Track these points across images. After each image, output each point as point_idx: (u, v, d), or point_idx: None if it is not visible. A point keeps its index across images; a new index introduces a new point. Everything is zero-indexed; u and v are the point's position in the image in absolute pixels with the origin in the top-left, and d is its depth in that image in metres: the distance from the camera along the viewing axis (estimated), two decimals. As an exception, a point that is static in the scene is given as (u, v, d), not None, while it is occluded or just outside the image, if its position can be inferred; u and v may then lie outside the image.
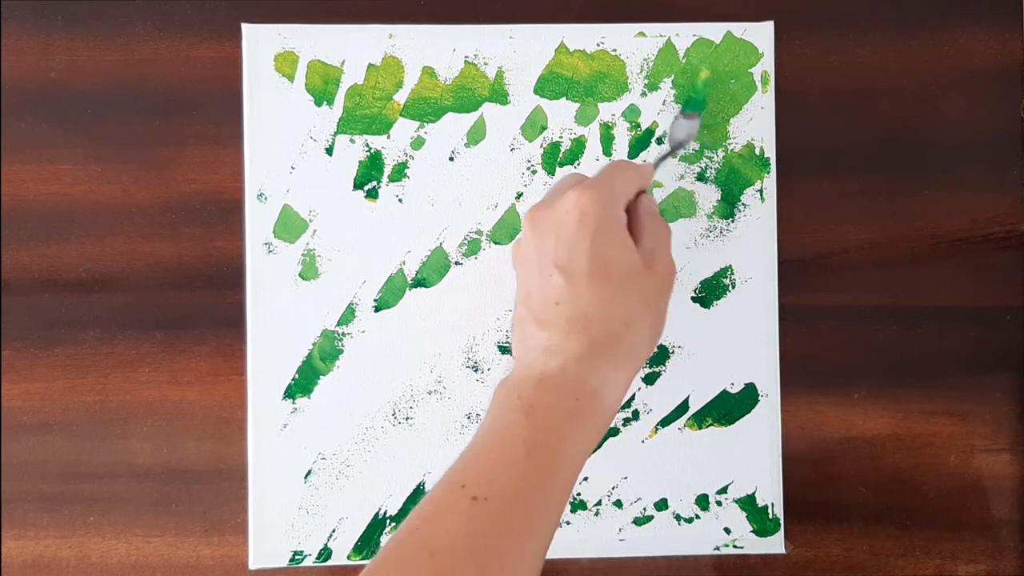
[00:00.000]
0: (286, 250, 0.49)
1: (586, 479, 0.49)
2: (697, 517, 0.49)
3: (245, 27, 0.49)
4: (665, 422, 0.49)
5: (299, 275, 0.49)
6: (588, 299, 0.37)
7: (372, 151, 0.49)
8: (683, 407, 0.49)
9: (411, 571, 0.33)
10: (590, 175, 0.41)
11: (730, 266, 0.49)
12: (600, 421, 0.37)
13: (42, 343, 0.49)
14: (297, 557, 0.48)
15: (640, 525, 0.49)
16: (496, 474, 0.35)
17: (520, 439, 0.35)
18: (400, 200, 0.49)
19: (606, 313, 0.37)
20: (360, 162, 0.49)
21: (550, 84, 0.49)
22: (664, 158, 0.46)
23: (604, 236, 0.37)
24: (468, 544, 0.33)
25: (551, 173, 0.49)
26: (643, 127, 0.49)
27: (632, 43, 0.49)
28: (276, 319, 0.49)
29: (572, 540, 0.49)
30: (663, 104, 0.49)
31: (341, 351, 0.49)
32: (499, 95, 0.49)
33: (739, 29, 0.49)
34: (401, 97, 0.49)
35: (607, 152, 0.49)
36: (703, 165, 0.49)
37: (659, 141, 0.49)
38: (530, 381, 0.37)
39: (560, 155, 0.49)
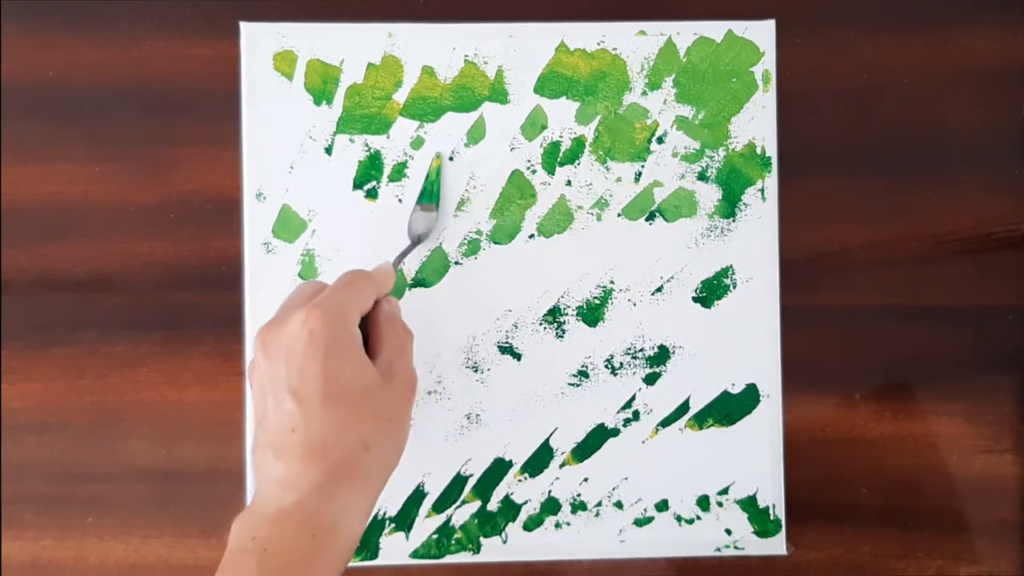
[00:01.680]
0: (285, 250, 0.49)
1: (586, 480, 0.49)
2: (698, 518, 0.49)
3: (244, 26, 0.49)
4: (666, 422, 0.49)
5: (298, 275, 0.49)
6: (323, 424, 0.35)
7: (372, 151, 0.49)
8: (684, 407, 0.49)
9: None
10: (327, 284, 0.40)
11: (731, 266, 0.49)
12: (340, 554, 0.36)
13: (40, 343, 0.49)
14: (296, 558, 0.48)
15: (641, 526, 0.49)
16: None
17: None
18: (400, 200, 0.49)
19: (343, 438, 0.36)
20: (360, 162, 0.49)
21: (550, 83, 0.49)
22: (404, 255, 0.46)
23: (335, 356, 0.36)
24: None
25: (551, 173, 0.49)
26: (648, 126, 0.49)
27: (633, 42, 0.49)
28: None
29: (572, 541, 0.49)
30: (664, 103, 0.49)
31: (340, 351, 0.49)
32: (499, 94, 0.49)
33: (740, 28, 0.49)
34: (401, 96, 0.49)
35: (608, 153, 0.49)
36: (704, 164, 0.49)
37: (659, 141, 0.49)
38: (265, 519, 0.35)
39: (560, 155, 0.49)
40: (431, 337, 0.49)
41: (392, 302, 0.42)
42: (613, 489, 0.49)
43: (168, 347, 0.49)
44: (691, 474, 0.49)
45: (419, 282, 0.49)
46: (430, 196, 0.48)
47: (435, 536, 0.49)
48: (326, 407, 0.35)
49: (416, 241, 0.48)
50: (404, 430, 0.39)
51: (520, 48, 0.49)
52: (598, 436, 0.49)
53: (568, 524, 0.49)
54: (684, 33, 0.49)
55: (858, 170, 0.50)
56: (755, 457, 0.49)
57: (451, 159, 0.49)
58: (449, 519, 0.49)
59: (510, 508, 0.49)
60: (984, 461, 0.50)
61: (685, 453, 0.49)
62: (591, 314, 0.49)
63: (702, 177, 0.49)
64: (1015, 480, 0.50)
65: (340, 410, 0.36)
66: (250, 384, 0.39)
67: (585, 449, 0.49)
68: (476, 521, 0.49)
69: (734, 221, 0.49)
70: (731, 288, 0.49)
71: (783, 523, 0.49)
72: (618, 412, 0.49)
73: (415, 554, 0.49)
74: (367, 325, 0.40)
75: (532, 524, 0.49)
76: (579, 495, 0.49)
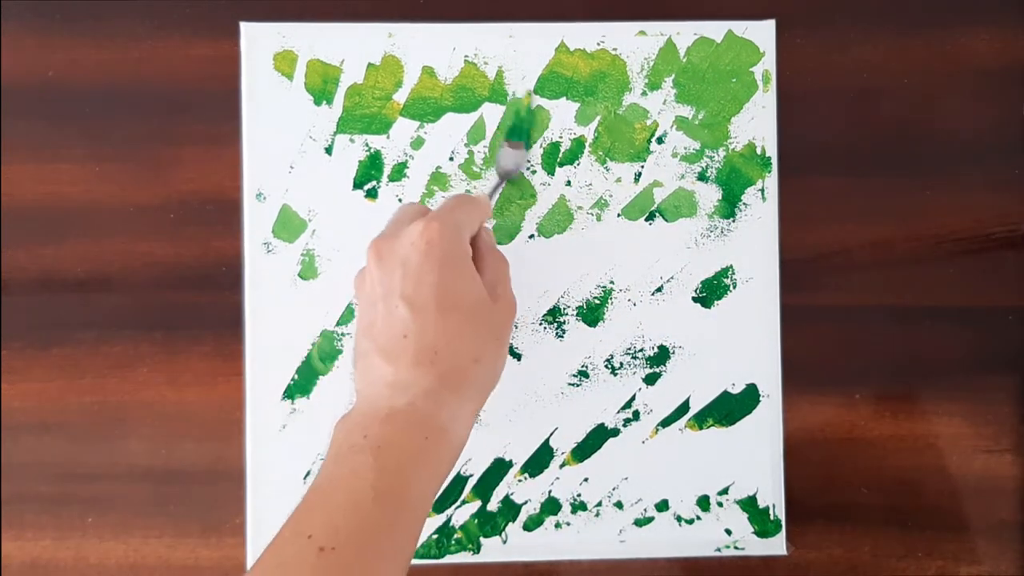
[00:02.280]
0: (285, 250, 0.49)
1: (586, 480, 0.49)
2: (698, 518, 0.49)
3: (244, 26, 0.49)
4: (666, 423, 0.49)
5: (298, 275, 0.49)
6: (436, 332, 0.36)
7: (372, 151, 0.49)
8: (684, 407, 0.49)
9: None
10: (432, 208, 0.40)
11: (731, 266, 0.49)
12: (448, 458, 0.37)
13: (40, 343, 0.49)
14: (296, 558, 0.48)
15: (641, 526, 0.49)
16: (344, 522, 0.33)
17: (368, 483, 0.34)
18: (400, 200, 0.49)
19: (454, 346, 0.36)
20: (360, 162, 0.49)
21: (550, 83, 0.49)
22: (496, 189, 0.46)
23: (451, 268, 0.37)
24: None
25: (551, 173, 0.49)
26: (647, 126, 0.49)
27: (632, 42, 0.49)
28: (275, 319, 0.48)
29: (572, 541, 0.49)
30: (663, 103, 0.49)
31: (340, 351, 0.49)
32: (499, 95, 0.49)
33: (740, 28, 0.49)
34: (401, 96, 0.49)
35: (608, 153, 0.49)
36: (704, 165, 0.49)
37: (659, 141, 0.49)
38: (376, 418, 0.35)
39: (560, 155, 0.49)
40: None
41: (489, 231, 0.42)
42: (613, 489, 0.49)
43: (168, 347, 0.49)
44: (691, 474, 0.49)
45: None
46: (519, 133, 0.48)
47: (435, 536, 0.49)
48: (439, 315, 0.36)
49: (505, 177, 0.47)
50: (505, 350, 0.40)
51: (520, 48, 0.49)
52: (598, 436, 0.49)
53: (568, 524, 0.49)
54: (684, 33, 0.49)
55: (858, 170, 0.50)
56: (755, 457, 0.49)
57: (451, 159, 0.49)
58: (449, 519, 0.49)
59: (510, 508, 0.49)
60: (984, 461, 0.50)
61: (685, 453, 0.49)
62: (591, 314, 0.49)
63: (702, 177, 0.49)
64: (1015, 480, 0.50)
65: (453, 320, 0.36)
66: (356, 294, 0.39)
67: (585, 449, 0.49)
68: (476, 521, 0.49)
69: (734, 221, 0.49)
70: (731, 288, 0.49)
71: (783, 523, 0.49)
72: (618, 412, 0.49)
73: (415, 554, 0.49)
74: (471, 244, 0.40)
75: (532, 524, 0.49)
76: (579, 495, 0.49)
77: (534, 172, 0.49)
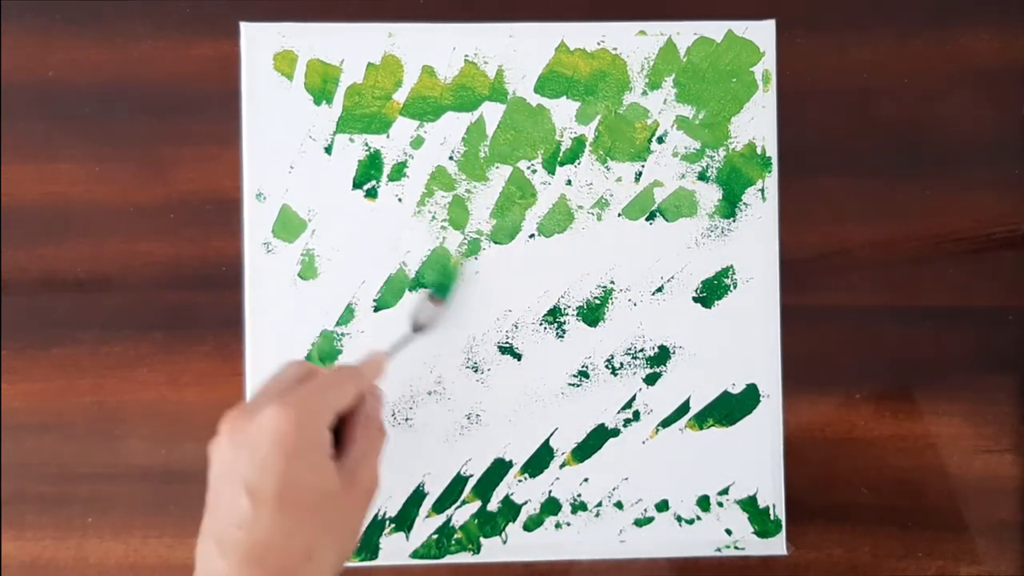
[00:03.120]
0: (285, 250, 0.49)
1: (586, 480, 0.49)
2: (698, 518, 0.49)
3: (244, 26, 0.49)
4: (666, 423, 0.49)
5: (298, 275, 0.49)
6: (271, 529, 0.34)
7: (371, 150, 0.49)
8: (684, 408, 0.49)
9: None
10: (309, 369, 0.39)
11: (731, 266, 0.49)
12: None
13: (40, 343, 0.49)
14: (296, 558, 0.48)
15: (641, 526, 0.49)
16: None
17: None
18: (400, 199, 0.49)
19: (287, 545, 0.35)
20: (359, 161, 0.49)
21: (550, 83, 0.49)
22: (402, 345, 0.46)
23: (299, 461, 0.35)
24: None
25: (551, 173, 0.49)
26: (648, 126, 0.49)
27: (633, 42, 0.49)
28: (275, 319, 0.48)
29: (572, 541, 0.49)
30: (664, 103, 0.49)
31: (340, 351, 0.49)
32: (499, 94, 0.49)
33: (740, 28, 0.49)
34: (401, 96, 0.49)
35: (608, 152, 0.49)
36: (704, 164, 0.49)
37: (660, 140, 0.49)
38: None
39: (560, 155, 0.49)
40: (430, 337, 0.49)
41: (376, 396, 0.41)
42: (613, 489, 0.49)
43: (168, 347, 0.49)
44: (691, 474, 0.49)
45: (419, 282, 0.49)
46: (444, 291, 0.48)
47: (435, 536, 0.49)
48: (278, 511, 0.34)
49: (417, 330, 0.47)
50: (354, 538, 0.38)
51: (520, 48, 0.49)
52: (598, 436, 0.49)
53: (568, 524, 0.49)
54: (684, 33, 0.49)
55: (858, 170, 0.50)
56: (755, 457, 0.49)
57: (451, 159, 0.49)
58: (449, 519, 0.49)
59: (510, 508, 0.49)
60: (984, 461, 0.50)
61: (685, 453, 0.49)
62: (591, 314, 0.49)
63: (702, 177, 0.49)
64: (1015, 480, 0.50)
65: (291, 517, 0.35)
66: (210, 460, 0.37)
67: (585, 449, 0.49)
68: (476, 521, 0.49)
69: (734, 221, 0.49)
70: (731, 288, 0.49)
71: (783, 523, 0.49)
72: (618, 412, 0.49)
73: (415, 554, 0.49)
74: (345, 417, 0.39)
75: (532, 524, 0.49)
76: (579, 495, 0.49)
77: (534, 172, 0.49)
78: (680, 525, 0.49)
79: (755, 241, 0.49)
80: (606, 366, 0.49)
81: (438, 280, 0.48)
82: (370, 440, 0.39)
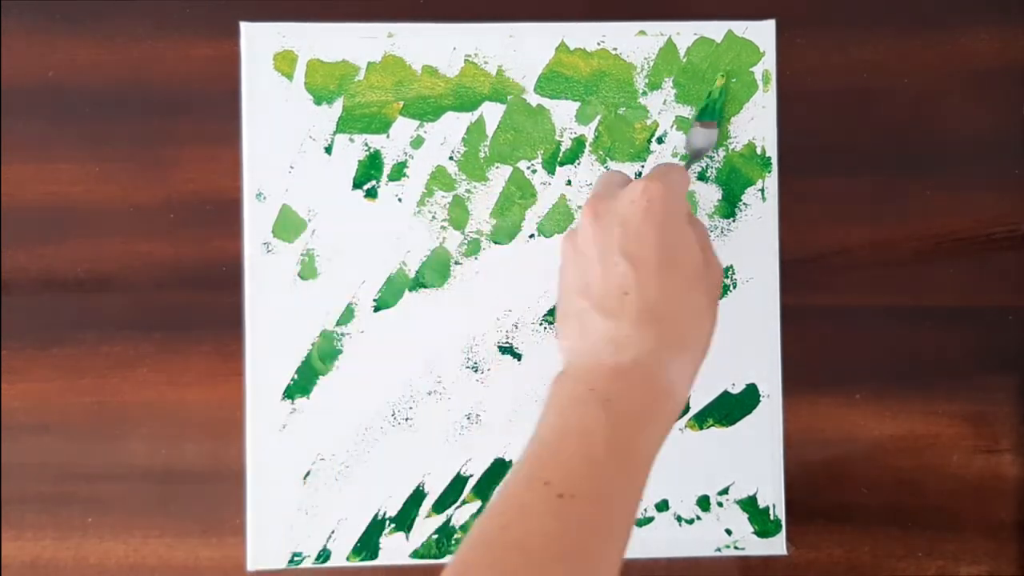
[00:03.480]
0: (285, 250, 0.49)
1: (586, 480, 0.49)
2: (698, 518, 0.49)
3: (244, 26, 0.49)
4: (666, 423, 0.49)
5: (298, 275, 0.49)
6: (658, 290, 0.36)
7: (371, 150, 0.49)
8: (684, 408, 0.49)
9: (505, 570, 0.31)
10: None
11: (731, 266, 0.49)
12: (671, 415, 0.37)
13: (40, 343, 0.49)
14: (296, 558, 0.48)
15: (641, 526, 0.49)
16: (580, 471, 0.33)
17: (600, 435, 0.34)
18: (400, 200, 0.49)
19: (675, 306, 0.36)
20: (359, 161, 0.49)
21: (550, 83, 0.49)
22: (688, 166, 0.46)
23: (671, 228, 0.37)
24: (560, 544, 0.32)
25: (551, 173, 0.49)
26: (648, 126, 0.49)
27: (633, 42, 0.49)
28: (275, 319, 0.48)
29: (572, 541, 0.49)
30: (664, 104, 0.49)
31: (340, 351, 0.49)
32: (499, 94, 0.49)
33: (740, 28, 0.49)
34: (401, 96, 0.49)
35: (608, 153, 0.49)
36: (704, 165, 0.49)
37: (659, 141, 0.49)
38: (601, 372, 0.35)
39: (560, 154, 0.49)
40: (430, 337, 0.49)
41: (688, 204, 0.42)
42: (613, 489, 0.49)
43: (168, 347, 0.49)
44: (691, 474, 0.49)
45: (419, 282, 0.49)
46: (712, 113, 0.48)
47: (435, 536, 0.49)
48: (661, 274, 0.36)
49: (696, 156, 0.47)
50: (716, 316, 0.39)
51: (520, 48, 0.49)
52: (598, 436, 0.49)
53: (568, 524, 0.49)
54: (684, 33, 0.49)
55: (858, 170, 0.50)
56: (755, 457, 0.49)
57: (451, 159, 0.49)
58: (449, 519, 0.49)
59: (510, 508, 0.49)
60: (984, 461, 0.50)
61: (685, 453, 0.49)
62: (591, 314, 0.49)
63: (702, 177, 0.49)
64: (1015, 480, 0.50)
65: (673, 279, 0.36)
66: (564, 253, 0.39)
67: (585, 449, 0.49)
68: (476, 521, 0.49)
69: (734, 221, 0.49)
70: (731, 288, 0.49)
71: (783, 523, 0.49)
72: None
73: (415, 554, 0.49)
74: None
75: (532, 524, 0.49)
76: (579, 495, 0.49)
77: (534, 172, 0.49)
78: (680, 525, 0.49)
79: (755, 241, 0.49)
80: (606, 366, 0.49)
81: (706, 106, 0.48)
82: (702, 231, 0.40)
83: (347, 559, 0.48)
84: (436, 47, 0.49)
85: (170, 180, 0.49)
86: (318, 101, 0.49)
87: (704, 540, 0.49)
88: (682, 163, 0.42)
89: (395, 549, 0.49)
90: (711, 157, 0.49)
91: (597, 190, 0.39)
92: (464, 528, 0.49)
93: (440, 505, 0.49)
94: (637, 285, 0.35)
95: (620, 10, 0.49)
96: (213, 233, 0.49)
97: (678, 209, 0.38)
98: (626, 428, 0.34)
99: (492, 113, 0.49)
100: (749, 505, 0.49)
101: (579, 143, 0.49)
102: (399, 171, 0.49)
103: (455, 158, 0.49)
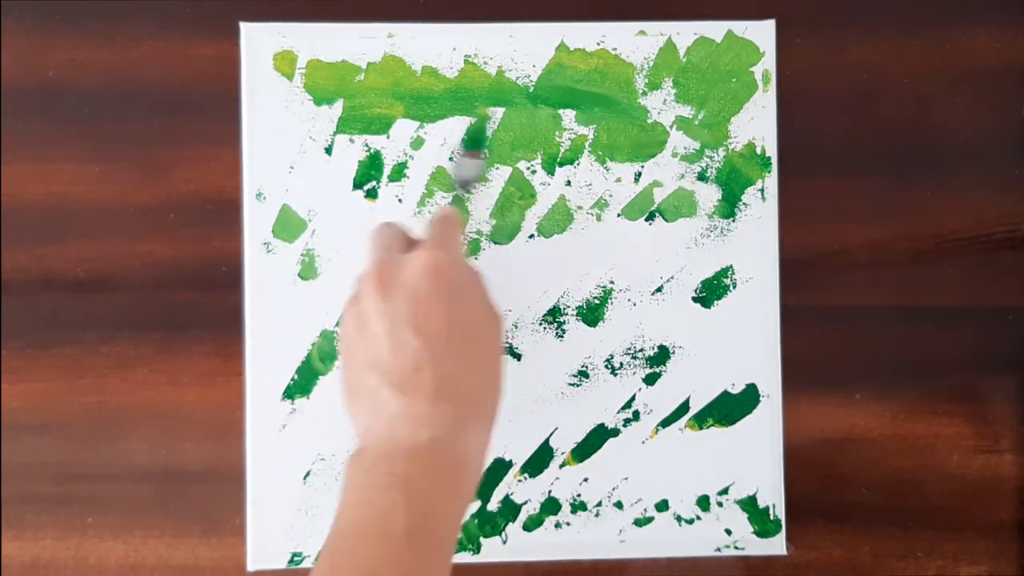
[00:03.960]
0: (285, 250, 0.49)
1: (586, 480, 0.49)
2: (698, 518, 0.49)
3: (244, 26, 0.49)
4: (666, 423, 0.49)
5: (298, 275, 0.49)
6: (451, 364, 0.35)
7: (372, 151, 0.49)
8: (684, 407, 0.49)
9: None
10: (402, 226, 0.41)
11: (731, 266, 0.49)
12: (470, 488, 0.36)
13: (40, 343, 0.49)
14: (296, 558, 0.48)
15: (641, 526, 0.49)
16: (381, 564, 0.32)
17: (400, 523, 0.33)
18: (400, 200, 0.49)
19: (469, 376, 0.36)
20: (360, 162, 0.49)
21: (550, 83, 0.49)
22: (459, 198, 0.46)
23: (459, 296, 0.36)
24: None
25: (551, 173, 0.49)
26: (648, 126, 0.49)
27: (632, 42, 0.49)
28: (275, 319, 0.48)
29: (572, 541, 0.49)
30: (663, 103, 0.49)
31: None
32: (500, 94, 0.49)
33: (740, 28, 0.49)
34: (401, 96, 0.49)
35: (609, 153, 0.49)
36: (704, 164, 0.49)
37: (660, 143, 0.49)
38: (399, 453, 0.34)
39: (560, 155, 0.49)
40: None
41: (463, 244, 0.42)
42: (613, 489, 0.49)
43: (168, 347, 0.49)
44: (691, 474, 0.49)
45: None
46: (477, 143, 0.47)
47: (435, 536, 0.49)
48: (453, 345, 0.35)
49: (464, 186, 0.47)
50: (503, 371, 0.39)
51: (520, 48, 0.49)
52: (598, 436, 0.49)
53: (568, 524, 0.49)
54: (684, 33, 0.49)
55: (858, 170, 0.50)
56: (755, 457, 0.49)
57: (451, 159, 0.49)
58: (449, 519, 0.49)
59: (510, 508, 0.49)
60: (984, 461, 0.50)
61: (685, 453, 0.49)
62: (591, 314, 0.49)
63: (702, 177, 0.49)
64: (1015, 480, 0.50)
65: (466, 348, 0.36)
66: (347, 328, 0.37)
67: (585, 449, 0.49)
68: (476, 521, 0.49)
69: (734, 221, 0.49)
70: (731, 288, 0.49)
71: (783, 523, 0.49)
72: (618, 412, 0.49)
73: (415, 554, 0.49)
74: None
75: (532, 524, 0.49)
76: (579, 495, 0.49)
77: (534, 172, 0.49)
78: (680, 525, 0.49)
79: (755, 241, 0.49)
80: (606, 366, 0.49)
81: (468, 135, 0.48)
82: (478, 279, 0.40)
83: (347, 559, 0.48)
84: (436, 47, 0.49)
85: (170, 180, 0.49)
86: (318, 101, 0.49)
87: (704, 540, 0.49)
88: (455, 208, 0.42)
89: (395, 549, 0.49)
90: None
91: (379, 254, 0.39)
92: (464, 528, 0.49)
93: (440, 505, 0.49)
94: (431, 361, 0.35)
95: (620, 10, 0.49)
96: (213, 233, 0.49)
97: (462, 272, 0.37)
98: (427, 510, 0.34)
99: (492, 113, 0.49)
100: (749, 505, 0.49)
101: (579, 143, 0.49)
102: (399, 172, 0.49)
103: (455, 159, 0.49)
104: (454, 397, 0.35)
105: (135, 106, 0.49)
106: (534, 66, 0.49)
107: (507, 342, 0.49)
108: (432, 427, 0.35)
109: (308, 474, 0.48)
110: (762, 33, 0.49)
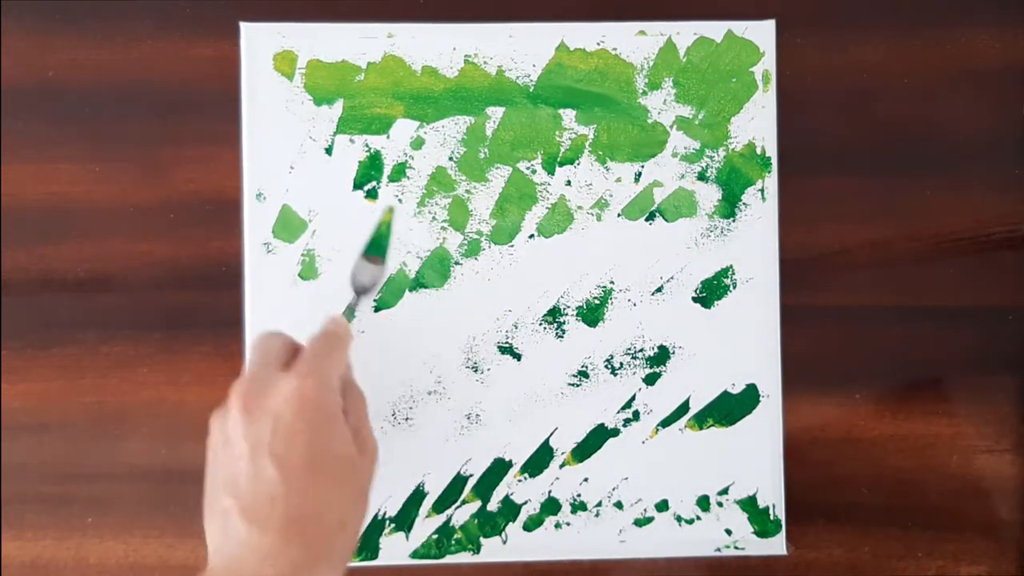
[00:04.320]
0: (285, 250, 0.49)
1: (586, 480, 0.49)
2: (698, 518, 0.49)
3: (244, 26, 0.49)
4: (666, 423, 0.49)
5: (298, 275, 0.49)
6: (306, 497, 0.34)
7: (372, 151, 0.49)
8: (684, 408, 0.49)
9: None
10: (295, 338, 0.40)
11: (731, 266, 0.49)
12: None
13: (40, 343, 0.49)
14: (296, 558, 0.48)
15: (641, 526, 0.49)
16: None
17: None
18: (400, 200, 0.49)
19: (324, 514, 0.35)
20: (360, 162, 0.49)
21: (550, 83, 0.49)
22: (352, 307, 0.45)
23: (324, 427, 0.35)
24: None
25: (551, 173, 0.49)
26: (648, 126, 0.49)
27: (632, 42, 0.49)
28: (275, 319, 0.48)
29: (572, 541, 0.49)
30: (663, 103, 0.49)
31: (340, 351, 0.49)
32: (500, 94, 0.49)
33: (740, 28, 0.49)
34: (401, 96, 0.49)
35: (609, 153, 0.49)
36: (704, 165, 0.49)
37: (660, 144, 0.49)
38: None
39: (560, 155, 0.49)
40: (431, 337, 0.49)
41: (348, 362, 0.41)
42: (613, 489, 0.49)
43: (168, 347, 0.49)
44: (691, 474, 0.49)
45: (419, 282, 0.49)
46: (378, 248, 0.47)
47: (435, 536, 0.49)
48: (310, 479, 0.34)
49: (361, 293, 0.47)
50: (368, 503, 0.38)
51: (520, 48, 0.49)
52: (598, 436, 0.49)
53: (568, 524, 0.49)
54: (684, 33, 0.49)
55: (858, 170, 0.50)
56: (755, 457, 0.49)
57: (451, 159, 0.49)
58: (449, 519, 0.49)
59: (510, 508, 0.49)
60: (984, 461, 0.50)
61: (685, 453, 0.49)
62: (591, 314, 0.49)
63: (702, 177, 0.49)
64: (1015, 480, 0.50)
65: (323, 484, 0.35)
66: (213, 440, 0.37)
67: (585, 449, 0.49)
68: (476, 521, 0.49)
69: (734, 221, 0.49)
70: (731, 288, 0.49)
71: (783, 523, 0.49)
72: (618, 412, 0.49)
73: (415, 554, 0.49)
74: None
75: (532, 524, 0.49)
76: (579, 495, 0.49)
77: (534, 172, 0.49)
78: (680, 525, 0.49)
79: (755, 241, 0.49)
80: (606, 366, 0.49)
81: (372, 240, 0.47)
82: (358, 404, 0.40)
83: (347, 559, 0.48)
84: (436, 47, 0.49)
85: (170, 180, 0.49)
86: (318, 101, 0.49)
87: (704, 540, 0.49)
88: (337, 325, 0.41)
89: (395, 549, 0.49)
90: (699, 153, 0.49)
91: (254, 368, 0.38)
92: (464, 528, 0.49)
93: (440, 505, 0.49)
94: (286, 494, 0.34)
95: (620, 10, 0.49)
96: (213, 233, 0.49)
97: (332, 406, 0.36)
98: None
99: (492, 114, 0.49)
100: (749, 505, 0.49)
101: (579, 143, 0.49)
102: (399, 172, 0.49)
103: (455, 159, 0.49)
104: (306, 534, 0.34)
105: (135, 106, 0.49)
106: (534, 66, 0.49)
107: (507, 342, 0.49)
108: (277, 564, 0.33)
109: (308, 474, 0.48)
110: (762, 33, 0.49)
